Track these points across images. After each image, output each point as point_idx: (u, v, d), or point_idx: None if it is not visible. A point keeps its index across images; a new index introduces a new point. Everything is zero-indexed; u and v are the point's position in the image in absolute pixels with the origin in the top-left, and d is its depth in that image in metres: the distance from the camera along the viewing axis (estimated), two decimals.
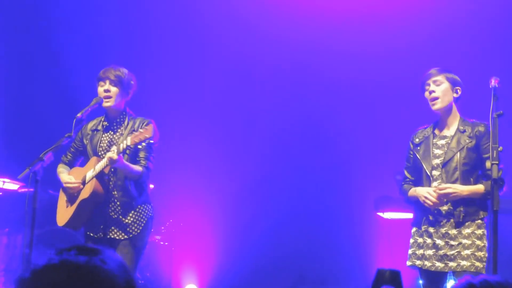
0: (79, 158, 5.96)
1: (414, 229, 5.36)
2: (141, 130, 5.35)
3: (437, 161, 5.20)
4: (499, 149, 4.84)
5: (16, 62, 9.25)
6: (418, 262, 5.21)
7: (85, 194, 5.62)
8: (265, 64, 9.28)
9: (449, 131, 5.25)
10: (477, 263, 4.99)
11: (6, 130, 8.62)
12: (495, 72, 5.06)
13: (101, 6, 9.30)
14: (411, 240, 5.34)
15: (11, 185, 7.89)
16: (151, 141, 5.41)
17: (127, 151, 5.62)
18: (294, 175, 9.12)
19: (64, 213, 5.78)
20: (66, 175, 5.79)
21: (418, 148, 5.37)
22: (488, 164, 4.99)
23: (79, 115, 5.59)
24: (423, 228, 5.25)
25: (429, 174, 5.22)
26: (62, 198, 5.86)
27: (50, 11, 9.30)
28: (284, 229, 9.00)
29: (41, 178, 5.32)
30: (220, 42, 9.38)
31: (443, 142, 5.24)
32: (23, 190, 7.63)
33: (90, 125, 5.89)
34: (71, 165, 5.93)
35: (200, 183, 9.10)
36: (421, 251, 5.22)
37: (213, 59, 9.35)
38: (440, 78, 5.24)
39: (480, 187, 5.06)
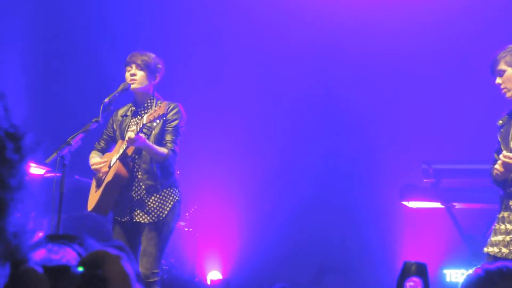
0: (112, 145, 6.00)
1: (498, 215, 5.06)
2: (155, 108, 5.39)
3: None
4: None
5: (46, 46, 9.30)
6: (489, 249, 4.97)
7: (109, 177, 5.66)
8: (281, 54, 9.27)
9: None
10: None
11: (34, 115, 8.67)
12: None
13: None
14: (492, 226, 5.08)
15: (38, 170, 7.94)
16: (172, 123, 5.47)
17: (152, 133, 5.63)
18: (318, 163, 9.10)
19: (92, 198, 5.83)
20: (94, 158, 5.84)
21: (501, 131, 5.08)
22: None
23: (106, 100, 5.63)
24: (500, 214, 4.97)
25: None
26: (93, 184, 5.92)
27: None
28: (308, 218, 8.99)
29: (68, 163, 5.36)
30: (237, 36, 9.40)
31: None
32: (49, 174, 7.67)
33: (121, 111, 5.94)
34: (103, 152, 5.98)
35: (225, 170, 9.11)
36: (494, 238, 4.95)
37: (230, 53, 9.38)
38: (501, 66, 4.99)
39: None
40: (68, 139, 5.44)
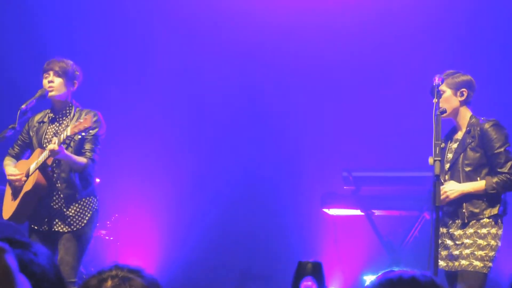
0: (26, 151, 5.92)
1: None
2: (80, 120, 5.35)
3: (447, 165, 5.30)
4: (441, 145, 5.00)
5: None
6: (441, 263, 5.22)
7: (28, 186, 5.58)
8: (208, 54, 9.25)
9: (461, 133, 5.33)
10: (476, 262, 5.04)
11: None
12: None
13: None
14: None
15: None
16: (91, 131, 5.42)
17: (72, 143, 5.60)
18: (240, 169, 9.11)
19: (9, 206, 5.73)
20: (11, 168, 5.74)
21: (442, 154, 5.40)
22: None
23: (23, 106, 5.59)
24: (441, 229, 5.23)
25: (442, 179, 5.26)
26: (8, 192, 5.82)
27: None
28: (230, 224, 8.99)
29: None
30: (196, 38, 9.35)
31: (455, 145, 5.34)
32: None
33: (37, 117, 5.86)
34: (18, 158, 5.89)
35: (145, 178, 9.05)
36: (441, 251, 5.24)
37: (155, 53, 9.32)
38: (441, 87, 5.28)
39: (481, 183, 5.14)
40: None
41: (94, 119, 5.64)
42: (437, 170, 4.87)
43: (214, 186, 9.11)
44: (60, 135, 5.42)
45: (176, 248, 8.99)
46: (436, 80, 5.15)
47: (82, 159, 5.58)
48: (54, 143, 5.32)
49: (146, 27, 9.38)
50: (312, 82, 9.02)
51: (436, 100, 5.12)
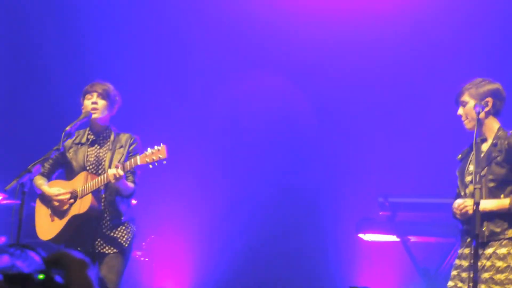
0: (57, 170, 5.98)
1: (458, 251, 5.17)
2: (152, 150, 5.41)
3: (469, 178, 5.04)
4: (481, 173, 4.83)
5: (4, 73, 9.23)
6: (449, 283, 5.05)
7: (80, 209, 5.64)
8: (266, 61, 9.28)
9: (486, 145, 5.05)
10: (495, 287, 4.76)
11: None
12: None
13: (89, 16, 9.29)
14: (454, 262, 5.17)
15: None
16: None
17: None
18: (275, 195, 9.10)
19: (49, 227, 5.77)
20: (53, 188, 5.79)
21: (460, 165, 5.22)
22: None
23: (68, 128, 5.63)
24: (460, 250, 5.07)
25: (462, 192, 5.10)
26: (43, 211, 5.85)
27: (34, 24, 9.29)
28: (264, 248, 8.99)
29: (28, 190, 5.35)
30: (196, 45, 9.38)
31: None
32: (5, 202, 7.59)
33: (72, 138, 5.90)
34: (49, 177, 5.92)
35: (180, 199, 9.08)
36: (454, 273, 5.05)
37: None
38: (464, 98, 5.10)
39: (504, 201, 4.85)
40: (28, 167, 5.41)
41: (135, 144, 5.76)
42: (477, 197, 4.64)
43: (249, 209, 9.12)
44: (126, 162, 5.52)
45: (209, 270, 9.01)
46: (476, 108, 5.03)
47: (131, 184, 5.69)
48: (119, 169, 5.41)
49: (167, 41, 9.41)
50: (350, 107, 9.02)
51: (475, 125, 4.92)
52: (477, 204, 4.68)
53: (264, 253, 8.99)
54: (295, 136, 9.21)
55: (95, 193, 5.65)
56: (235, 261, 8.95)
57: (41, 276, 1.34)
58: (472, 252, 4.72)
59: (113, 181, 5.46)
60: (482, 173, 4.91)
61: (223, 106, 9.28)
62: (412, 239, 7.46)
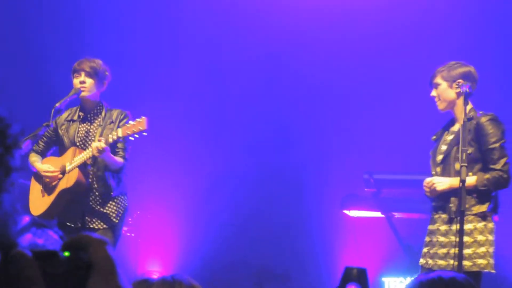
0: (51, 147, 6.01)
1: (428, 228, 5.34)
2: (133, 122, 5.44)
3: (440, 157, 5.22)
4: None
5: None
6: (421, 260, 5.24)
7: (67, 183, 5.67)
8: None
9: (458, 125, 5.18)
10: (465, 262, 4.86)
11: None
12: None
13: None
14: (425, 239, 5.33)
15: None
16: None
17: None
18: (260, 171, 9.13)
19: (39, 202, 5.81)
20: (43, 164, 5.82)
21: (434, 146, 5.40)
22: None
23: (57, 104, 5.66)
24: (429, 226, 5.26)
25: (433, 172, 5.26)
26: (36, 187, 5.89)
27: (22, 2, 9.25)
28: (250, 224, 9.03)
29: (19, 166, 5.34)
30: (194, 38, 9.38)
31: (450, 137, 5.23)
32: None
33: (64, 115, 5.93)
34: (43, 154, 5.97)
35: (165, 175, 9.09)
36: (425, 250, 5.22)
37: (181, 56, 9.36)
38: (437, 80, 5.27)
39: (472, 179, 4.97)
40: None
41: (126, 118, 5.78)
42: (463, 175, 4.79)
43: (234, 185, 9.14)
44: (109, 135, 5.51)
45: (195, 245, 9.04)
46: (464, 88, 5.09)
47: (119, 159, 5.72)
48: (102, 142, 5.41)
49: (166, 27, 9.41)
50: (334, 84, 9.04)
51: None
52: (463, 181, 4.81)
53: (249, 229, 9.03)
54: (279, 113, 9.22)
55: (82, 167, 5.66)
56: (220, 237, 8.99)
57: (66, 254, 1.38)
58: (458, 228, 4.82)
59: (96, 154, 5.46)
60: (452, 152, 5.08)
61: (209, 84, 9.28)
62: (397, 215, 7.55)
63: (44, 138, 5.95)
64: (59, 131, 5.89)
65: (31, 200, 5.89)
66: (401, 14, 8.83)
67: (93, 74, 5.78)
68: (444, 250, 5.05)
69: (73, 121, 5.89)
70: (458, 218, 4.91)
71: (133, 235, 8.52)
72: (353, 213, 7.75)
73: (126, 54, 9.15)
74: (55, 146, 6.00)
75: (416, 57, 8.55)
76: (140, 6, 9.37)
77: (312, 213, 8.81)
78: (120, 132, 5.46)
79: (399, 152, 8.40)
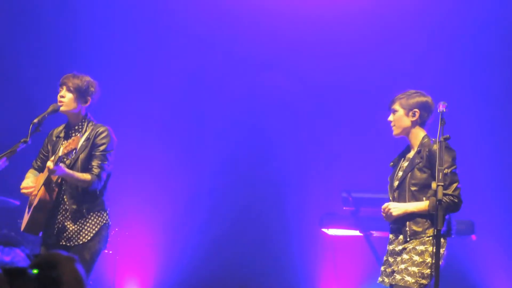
0: None
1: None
2: (70, 140, 5.42)
3: (396, 183, 5.43)
4: (444, 171, 5.05)
5: None
6: (379, 279, 5.42)
7: (35, 201, 5.64)
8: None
9: (413, 152, 5.42)
10: (407, 278, 5.10)
11: None
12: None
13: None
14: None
15: None
16: (100, 148, 5.61)
17: (78, 160, 5.64)
18: (240, 188, 9.13)
19: (25, 217, 5.81)
20: (26, 180, 5.81)
21: (392, 171, 5.60)
22: (433, 185, 5.13)
23: (35, 120, 5.62)
24: (388, 246, 5.43)
25: (390, 197, 5.47)
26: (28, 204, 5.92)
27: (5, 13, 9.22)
28: (228, 243, 9.01)
29: None
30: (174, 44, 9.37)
31: (406, 164, 5.44)
32: None
33: (56, 131, 5.93)
34: (41, 170, 5.93)
35: (144, 192, 9.07)
36: (382, 268, 5.42)
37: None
38: (395, 106, 5.50)
39: (425, 203, 5.17)
40: None
41: (103, 134, 5.73)
42: (439, 194, 4.92)
43: (212, 203, 9.13)
44: (57, 154, 5.50)
45: (173, 262, 9.03)
46: (440, 107, 5.21)
47: (85, 176, 5.59)
48: (51, 161, 5.39)
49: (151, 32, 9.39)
50: (314, 102, 9.09)
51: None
52: (439, 201, 4.93)
53: (228, 247, 9.02)
54: (260, 129, 9.23)
55: (46, 185, 5.61)
56: (198, 254, 8.98)
57: (35, 271, 1.39)
58: (434, 248, 4.98)
59: (49, 173, 5.43)
60: (407, 178, 5.33)
61: (189, 103, 9.29)
62: (375, 234, 7.57)
63: (40, 154, 5.97)
64: (49, 147, 5.89)
65: (25, 215, 5.90)
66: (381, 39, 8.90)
67: (74, 89, 5.74)
68: (396, 268, 5.23)
69: (59, 137, 5.88)
70: (413, 239, 5.19)
71: (111, 252, 8.48)
72: (332, 231, 7.77)
73: (109, 66, 9.14)
74: None
75: (396, 82, 8.62)
76: (125, 14, 9.36)
77: (291, 232, 8.82)
78: (60, 151, 5.45)
79: (378, 171, 8.43)
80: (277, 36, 9.14)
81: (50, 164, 5.35)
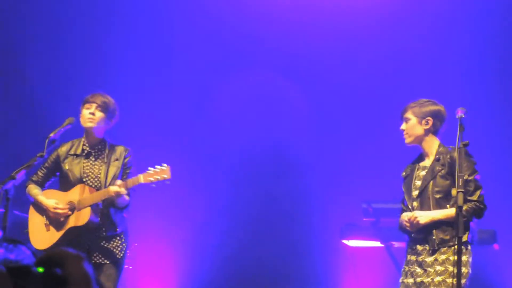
0: (51, 179, 6.01)
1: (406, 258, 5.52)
2: (155, 169, 5.50)
3: (416, 192, 5.46)
4: (464, 177, 5.08)
5: None
6: None
7: (77, 221, 5.71)
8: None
9: (429, 161, 5.48)
10: None
11: None
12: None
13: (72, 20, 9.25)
14: (402, 269, 5.53)
15: None
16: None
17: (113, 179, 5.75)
18: (259, 201, 9.11)
19: (44, 236, 5.79)
20: (50, 200, 5.80)
21: (405, 181, 5.67)
22: (454, 191, 5.14)
23: (51, 135, 5.68)
24: (408, 257, 5.44)
25: (410, 206, 5.49)
26: (37, 220, 5.87)
27: (15, 27, 9.24)
28: (248, 254, 8.98)
29: (12, 197, 5.36)
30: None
31: (423, 172, 5.47)
32: None
33: (66, 147, 5.93)
34: (42, 185, 5.96)
35: (163, 207, 9.05)
36: (406, 280, 5.41)
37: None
38: (407, 115, 5.57)
39: (451, 210, 5.20)
40: (12, 173, 5.44)
41: (129, 156, 5.84)
42: (460, 201, 4.94)
43: (233, 214, 9.11)
44: (127, 179, 5.68)
45: (192, 277, 9.00)
46: (459, 113, 5.23)
47: (127, 197, 5.79)
48: (121, 187, 5.56)
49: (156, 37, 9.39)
50: (335, 114, 9.06)
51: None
52: (459, 207, 4.95)
53: (248, 260, 8.98)
54: (281, 141, 9.21)
55: (94, 206, 5.72)
56: (218, 268, 8.95)
57: (40, 269, 1.36)
58: (455, 257, 4.99)
59: (116, 197, 5.59)
60: (429, 186, 5.37)
61: (201, 117, 9.26)
62: (396, 244, 7.51)
63: (43, 169, 5.96)
64: (62, 165, 5.89)
65: (33, 233, 5.87)
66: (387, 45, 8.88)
67: (104, 108, 5.84)
68: (429, 280, 5.25)
69: (77, 156, 5.89)
70: (444, 248, 5.22)
71: (131, 267, 8.47)
72: (352, 242, 7.74)
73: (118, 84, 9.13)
74: (54, 178, 6.01)
75: (412, 93, 8.59)
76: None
77: (312, 243, 8.78)
78: (142, 179, 5.61)
79: (398, 181, 8.38)
80: (305, 42, 9.11)
81: (121, 190, 5.59)
